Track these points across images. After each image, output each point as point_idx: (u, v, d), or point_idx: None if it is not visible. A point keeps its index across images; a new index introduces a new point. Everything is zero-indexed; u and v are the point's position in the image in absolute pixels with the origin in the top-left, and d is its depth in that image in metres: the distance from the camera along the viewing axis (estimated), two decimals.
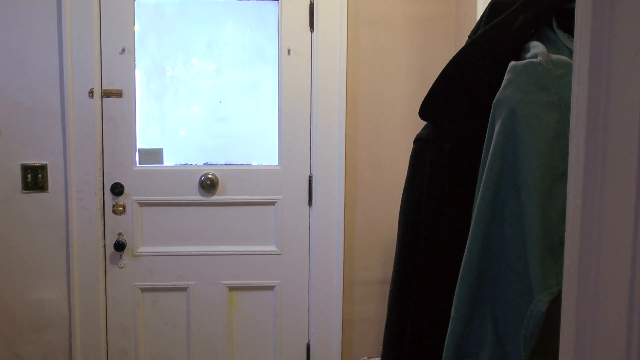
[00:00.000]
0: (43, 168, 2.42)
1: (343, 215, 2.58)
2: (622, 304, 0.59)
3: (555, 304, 0.99)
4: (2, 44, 2.37)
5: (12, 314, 2.48)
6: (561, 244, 1.03)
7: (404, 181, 1.36)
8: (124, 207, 2.46)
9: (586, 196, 0.63)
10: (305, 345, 2.64)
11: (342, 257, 2.59)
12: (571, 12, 0.76)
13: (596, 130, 0.62)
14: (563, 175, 1.01)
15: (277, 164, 2.57)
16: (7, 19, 2.36)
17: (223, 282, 2.56)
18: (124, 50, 2.42)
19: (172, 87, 2.53)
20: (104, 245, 2.49)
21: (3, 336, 2.48)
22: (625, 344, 0.58)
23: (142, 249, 2.52)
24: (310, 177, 2.57)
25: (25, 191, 2.43)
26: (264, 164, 2.59)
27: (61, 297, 2.49)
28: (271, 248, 2.59)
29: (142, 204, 2.49)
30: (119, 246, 2.47)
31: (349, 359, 2.67)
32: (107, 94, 2.44)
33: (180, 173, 2.50)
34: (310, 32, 2.51)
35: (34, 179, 2.42)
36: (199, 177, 2.50)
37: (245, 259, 2.57)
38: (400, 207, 1.37)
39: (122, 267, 2.51)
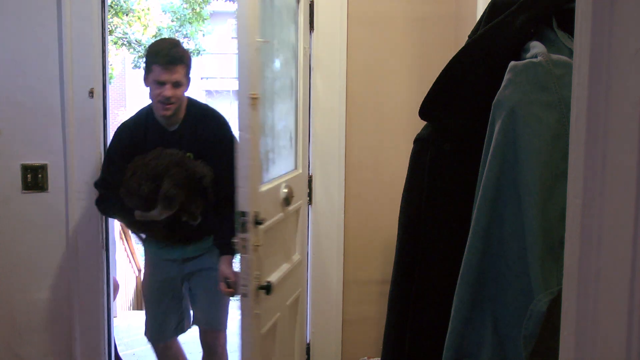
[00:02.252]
0: (43, 168, 2.42)
1: (343, 215, 2.58)
2: (622, 304, 0.59)
3: (555, 304, 0.99)
4: (2, 44, 2.37)
5: (12, 314, 2.47)
6: (561, 244, 1.03)
7: (403, 181, 1.36)
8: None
9: (586, 196, 0.63)
10: (305, 345, 2.64)
11: (342, 257, 2.59)
12: (571, 12, 0.75)
13: (596, 130, 0.62)
14: (563, 175, 1.01)
15: None
16: (7, 19, 2.36)
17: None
18: None
19: None
20: (104, 247, 2.48)
21: (3, 336, 2.48)
22: (625, 344, 0.58)
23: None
24: (310, 177, 2.57)
25: (25, 191, 2.43)
26: None
27: (61, 297, 2.48)
28: None
29: None
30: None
31: (349, 359, 2.67)
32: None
33: None
34: (310, 32, 2.51)
35: (34, 179, 2.42)
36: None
37: None
38: (400, 207, 1.37)
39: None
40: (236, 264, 2.00)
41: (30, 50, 2.38)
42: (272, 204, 2.03)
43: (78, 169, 2.42)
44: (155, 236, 2.26)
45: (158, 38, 8.63)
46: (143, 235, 2.34)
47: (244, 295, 1.76)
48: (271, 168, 2.14)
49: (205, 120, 2.20)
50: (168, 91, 2.07)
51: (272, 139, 2.23)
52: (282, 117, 2.35)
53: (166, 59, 2.06)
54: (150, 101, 2.21)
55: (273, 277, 2.00)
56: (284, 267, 2.17)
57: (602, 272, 0.62)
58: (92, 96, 2.42)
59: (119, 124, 2.29)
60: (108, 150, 2.26)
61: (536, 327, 1.05)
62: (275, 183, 2.09)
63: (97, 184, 2.27)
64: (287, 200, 2.13)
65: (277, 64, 2.30)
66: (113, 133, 2.28)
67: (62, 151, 2.42)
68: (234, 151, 1.88)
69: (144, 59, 2.17)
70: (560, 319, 0.69)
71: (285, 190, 2.12)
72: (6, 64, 2.38)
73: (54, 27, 2.38)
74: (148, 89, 2.15)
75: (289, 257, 2.29)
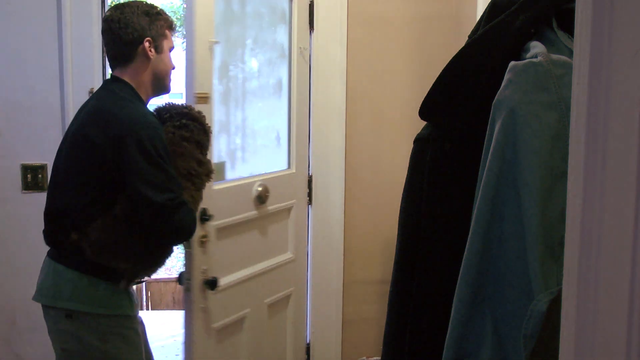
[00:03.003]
0: (43, 168, 2.42)
1: (343, 215, 2.58)
2: (622, 304, 0.59)
3: (555, 304, 0.99)
4: (2, 44, 2.37)
5: (12, 314, 2.47)
6: (561, 244, 1.03)
7: (404, 181, 1.36)
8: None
9: (586, 196, 0.63)
10: (305, 345, 2.64)
11: (342, 257, 2.59)
12: (571, 12, 0.75)
13: (596, 130, 0.62)
14: (563, 175, 1.01)
15: None
16: (7, 19, 2.36)
17: None
18: None
19: None
20: None
21: (3, 336, 2.48)
22: (625, 344, 0.58)
23: None
24: (310, 177, 2.57)
25: (25, 191, 2.43)
26: None
27: None
28: None
29: None
30: None
31: (349, 359, 2.67)
32: None
33: None
34: (310, 32, 2.51)
35: (34, 179, 2.42)
36: None
37: None
38: (400, 207, 1.37)
39: None
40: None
41: (30, 50, 2.38)
42: (237, 202, 2.11)
43: None
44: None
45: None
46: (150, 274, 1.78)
47: (187, 290, 1.84)
48: (240, 166, 2.25)
49: None
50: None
51: (242, 137, 2.31)
52: (261, 116, 2.38)
53: (176, 26, 1.79)
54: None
55: (232, 274, 2.09)
56: (260, 265, 2.25)
57: (602, 272, 0.62)
58: None
59: (148, 120, 1.63)
60: (160, 146, 1.58)
61: (536, 327, 1.05)
62: (246, 181, 2.19)
63: (177, 193, 1.58)
64: (261, 199, 2.19)
65: (254, 63, 2.34)
66: (151, 127, 1.60)
67: None
68: None
69: (152, 20, 1.68)
70: (560, 319, 0.69)
71: (259, 189, 2.19)
72: (6, 64, 2.38)
73: (54, 27, 2.38)
74: (155, 57, 1.69)
75: (270, 255, 2.33)
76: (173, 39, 1.75)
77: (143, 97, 1.71)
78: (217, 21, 2.00)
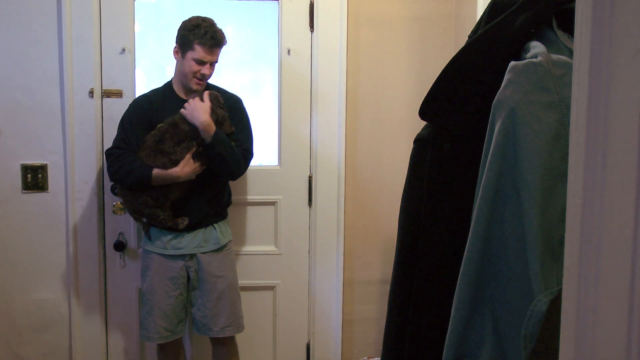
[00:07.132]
0: (43, 168, 2.42)
1: (343, 215, 2.58)
2: (622, 304, 0.59)
3: (555, 304, 0.99)
4: (2, 44, 2.37)
5: (12, 314, 2.48)
6: (561, 244, 1.03)
7: (404, 181, 1.36)
8: (123, 207, 2.45)
9: (586, 196, 0.63)
10: (305, 345, 2.64)
11: (342, 257, 2.59)
12: (571, 12, 0.75)
13: (596, 130, 0.62)
14: (563, 175, 1.01)
15: (277, 164, 2.57)
16: (7, 19, 2.36)
17: None
18: (124, 50, 2.42)
19: None
20: (104, 246, 2.49)
21: (3, 336, 2.48)
22: (625, 344, 0.58)
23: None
24: (310, 177, 2.57)
25: (25, 191, 2.43)
26: (264, 164, 2.59)
27: (61, 297, 2.49)
28: (271, 248, 2.59)
29: None
30: (119, 246, 2.46)
31: (349, 359, 2.67)
32: (107, 94, 2.43)
33: None
34: (310, 32, 2.51)
35: (34, 179, 2.42)
36: None
37: (245, 259, 2.56)
38: (400, 206, 1.37)
39: (122, 267, 2.50)
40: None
41: (30, 50, 2.38)
42: None
43: (78, 169, 2.43)
44: (160, 218, 2.14)
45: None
46: (144, 220, 2.19)
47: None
48: None
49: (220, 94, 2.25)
50: (208, 70, 2.19)
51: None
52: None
53: (212, 42, 2.15)
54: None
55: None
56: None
57: (602, 272, 0.62)
58: (92, 96, 2.42)
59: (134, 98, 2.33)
60: (124, 117, 2.23)
61: (536, 327, 1.05)
62: None
63: (115, 146, 2.19)
64: None
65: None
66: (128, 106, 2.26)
67: (62, 151, 2.42)
68: (244, 123, 2.26)
69: (182, 34, 2.17)
70: (560, 319, 0.69)
71: None
72: (6, 64, 2.38)
73: (54, 27, 2.38)
74: (180, 61, 2.20)
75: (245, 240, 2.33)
76: (204, 52, 2.15)
77: (175, 88, 2.25)
78: (143, 29, 2.19)
